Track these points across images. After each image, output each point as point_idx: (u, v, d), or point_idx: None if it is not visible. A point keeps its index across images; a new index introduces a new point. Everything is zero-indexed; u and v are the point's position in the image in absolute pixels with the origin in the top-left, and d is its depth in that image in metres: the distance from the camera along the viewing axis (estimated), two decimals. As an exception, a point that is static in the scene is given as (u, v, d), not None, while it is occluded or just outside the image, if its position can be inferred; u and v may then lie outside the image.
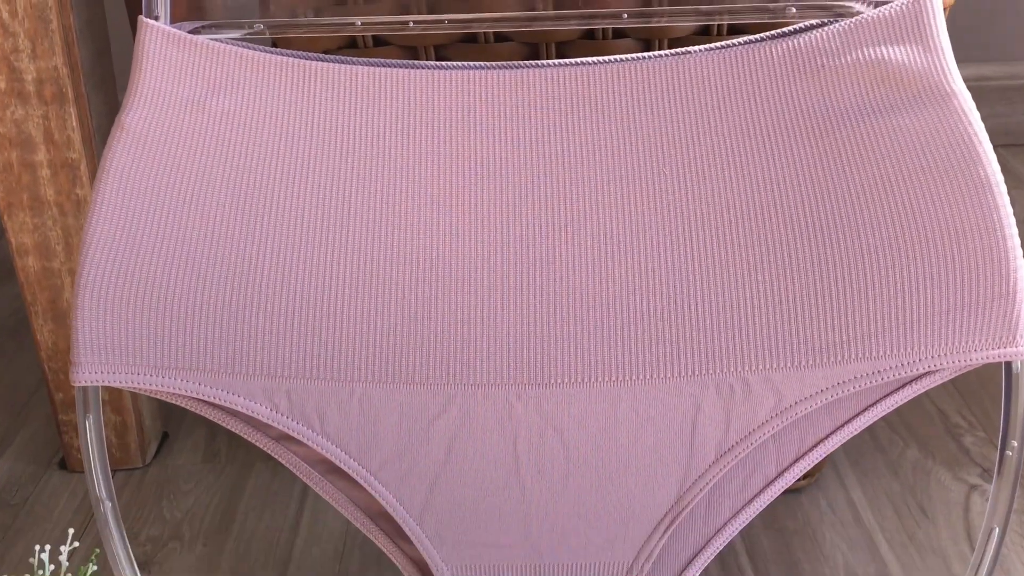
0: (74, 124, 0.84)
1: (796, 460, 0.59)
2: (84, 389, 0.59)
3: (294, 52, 0.61)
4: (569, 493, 0.58)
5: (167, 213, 0.58)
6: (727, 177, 0.58)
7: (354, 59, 0.61)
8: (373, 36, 0.69)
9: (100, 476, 0.60)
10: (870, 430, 0.96)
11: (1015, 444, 0.56)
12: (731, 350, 0.56)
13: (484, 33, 0.68)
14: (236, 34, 0.62)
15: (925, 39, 0.58)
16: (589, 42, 0.69)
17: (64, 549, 0.60)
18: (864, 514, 0.87)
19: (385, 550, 0.61)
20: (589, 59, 0.61)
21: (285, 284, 0.57)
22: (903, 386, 0.57)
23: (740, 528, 0.60)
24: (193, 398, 0.58)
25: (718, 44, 0.60)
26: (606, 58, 0.61)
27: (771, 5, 0.61)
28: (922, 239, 0.55)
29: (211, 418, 0.59)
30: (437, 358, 0.57)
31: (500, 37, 0.69)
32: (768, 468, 0.59)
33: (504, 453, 0.57)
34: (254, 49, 0.61)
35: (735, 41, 0.60)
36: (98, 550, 0.64)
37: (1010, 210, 0.55)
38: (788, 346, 0.55)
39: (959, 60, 0.58)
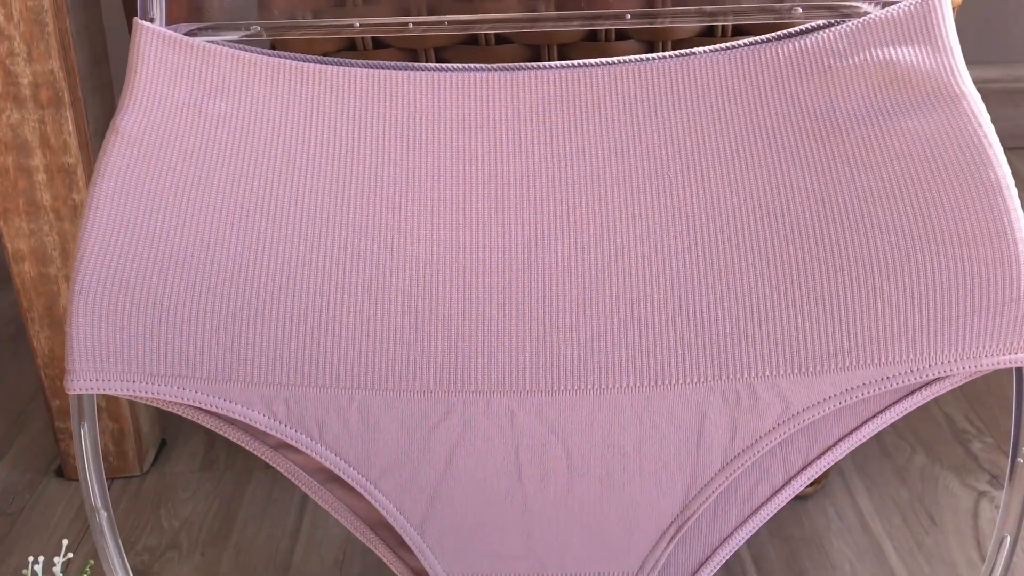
0: (71, 128, 0.84)
1: (803, 468, 0.59)
2: (79, 397, 0.58)
3: (292, 54, 0.60)
4: (572, 502, 0.57)
5: (163, 218, 0.57)
6: (732, 180, 0.58)
7: (353, 61, 0.61)
8: (372, 38, 0.68)
9: (96, 485, 0.60)
10: (877, 436, 0.95)
11: (1027, 451, 0.56)
12: (737, 356, 0.55)
13: (485, 35, 0.68)
14: (233, 36, 0.62)
15: (934, 39, 0.57)
16: (592, 44, 0.69)
17: (58, 560, 0.60)
18: (871, 521, 0.87)
19: (385, 560, 0.60)
20: (592, 60, 0.60)
21: (283, 290, 0.57)
22: (912, 393, 0.57)
23: (747, 537, 0.60)
24: (190, 406, 0.58)
25: (723, 45, 0.60)
26: (609, 60, 0.60)
27: (777, 5, 0.60)
28: (931, 243, 0.54)
29: (208, 426, 0.59)
30: (437, 365, 0.56)
31: (501, 39, 0.69)
32: (775, 476, 0.59)
33: (506, 462, 0.57)
34: (251, 51, 0.60)
35: (740, 42, 0.59)
36: (92, 561, 0.63)
37: (1021, 213, 0.54)
38: (795, 352, 0.55)
39: (963, 62, 0.58)
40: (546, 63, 0.60)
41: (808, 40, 0.58)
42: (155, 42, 0.59)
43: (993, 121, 0.56)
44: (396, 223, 0.58)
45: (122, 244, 0.56)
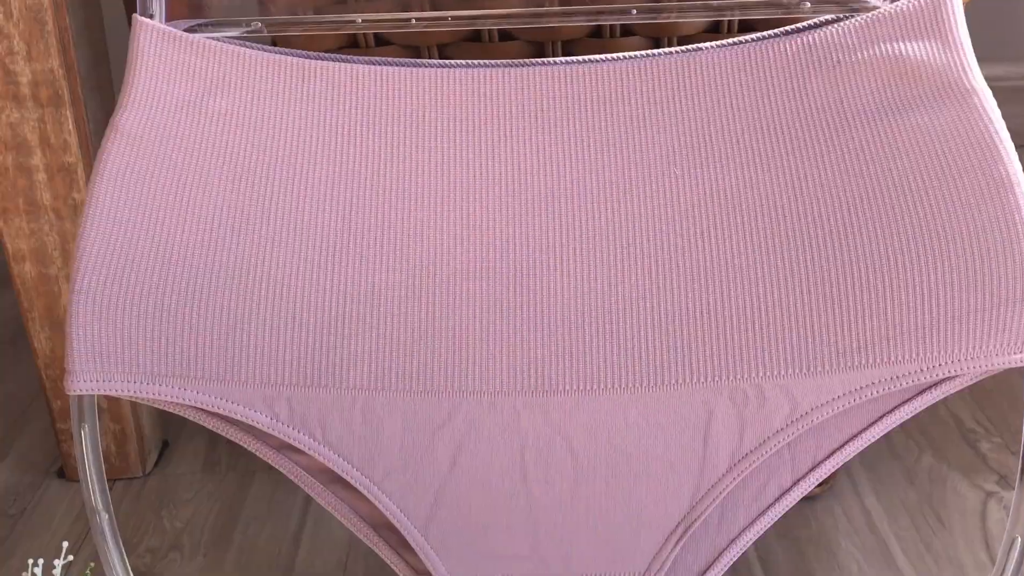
0: (71, 127, 0.83)
1: (812, 469, 0.58)
2: (79, 398, 0.58)
3: (293, 51, 0.60)
4: (578, 503, 0.57)
5: (163, 217, 0.57)
6: (739, 177, 0.57)
7: (355, 58, 0.60)
8: (375, 35, 0.68)
9: (96, 487, 0.59)
10: (884, 437, 0.93)
11: (1036, 451, 0.55)
12: (744, 356, 0.54)
13: (488, 31, 0.67)
14: (233, 32, 0.61)
15: (944, 34, 0.56)
16: (596, 41, 0.68)
17: (58, 563, 0.59)
18: (879, 522, 0.87)
19: (389, 561, 0.60)
20: (597, 56, 0.59)
21: (285, 289, 0.56)
22: (922, 392, 0.56)
23: (754, 539, 0.59)
24: (191, 407, 0.57)
25: (730, 40, 0.59)
26: (615, 55, 0.59)
27: (784, 0, 0.59)
28: (941, 240, 0.53)
29: (210, 427, 0.58)
30: (441, 366, 0.56)
31: (505, 36, 0.69)
32: (783, 477, 0.58)
33: (511, 463, 0.56)
34: (252, 48, 0.60)
35: (747, 37, 0.59)
36: (92, 564, 0.63)
37: None
38: (803, 351, 0.54)
39: (970, 59, 0.56)
40: (550, 59, 0.60)
41: (816, 35, 0.58)
42: (155, 39, 0.59)
43: (1000, 119, 0.56)
44: (399, 222, 0.57)
45: (122, 244, 0.56)
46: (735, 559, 0.59)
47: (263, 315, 0.56)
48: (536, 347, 0.55)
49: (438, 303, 0.56)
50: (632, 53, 0.59)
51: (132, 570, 0.61)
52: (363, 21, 0.61)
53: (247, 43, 0.60)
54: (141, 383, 0.56)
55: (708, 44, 0.59)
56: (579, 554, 0.58)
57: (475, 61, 0.60)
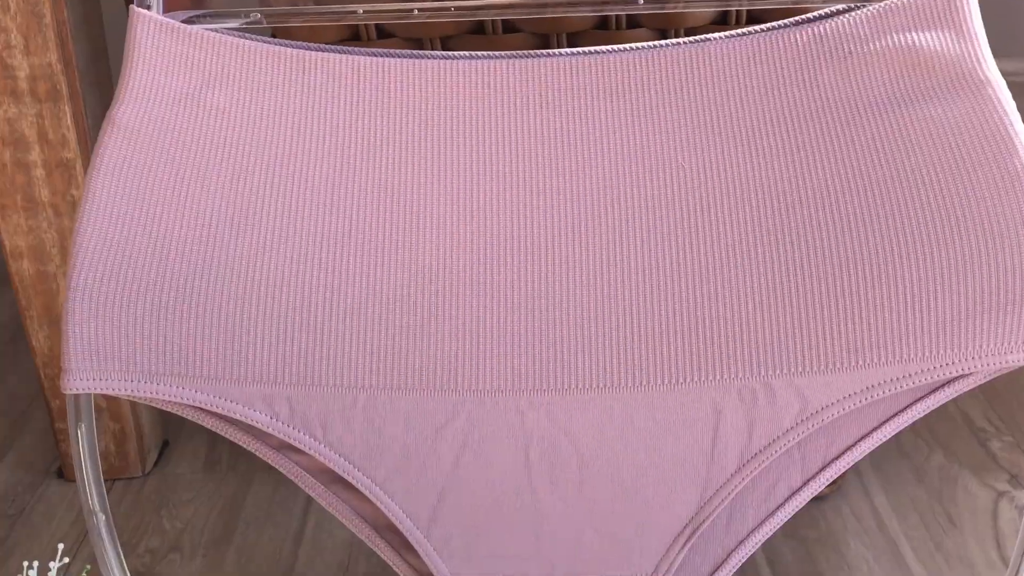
0: (69, 123, 0.83)
1: (822, 469, 0.58)
2: (76, 397, 0.57)
3: (293, 43, 0.59)
4: (583, 504, 0.56)
5: (161, 213, 0.56)
6: (747, 170, 0.56)
7: (356, 49, 0.60)
8: (377, 27, 0.67)
9: (93, 488, 0.59)
10: (893, 435, 0.94)
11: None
12: (754, 353, 0.54)
13: (492, 23, 0.67)
14: (232, 24, 0.61)
15: (958, 24, 0.56)
16: (602, 32, 0.68)
17: (53, 565, 0.59)
18: (889, 522, 0.86)
19: (391, 563, 0.59)
20: (603, 48, 0.59)
21: (285, 287, 0.56)
22: (934, 391, 0.55)
23: (763, 540, 0.59)
24: (190, 406, 0.56)
25: (738, 31, 0.59)
26: (621, 46, 0.59)
27: (794, -11, 0.59)
28: (954, 234, 0.53)
29: (209, 427, 0.57)
30: (444, 363, 0.55)
31: (509, 27, 0.68)
32: (793, 477, 0.58)
33: (515, 462, 0.55)
34: (251, 39, 0.59)
35: (756, 28, 0.58)
36: (89, 566, 0.62)
37: None
38: (814, 349, 0.53)
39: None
40: (555, 51, 0.59)
41: (827, 25, 0.57)
42: (152, 30, 0.58)
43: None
44: (400, 217, 0.57)
45: (119, 240, 0.55)
46: (743, 561, 0.59)
47: (262, 313, 0.55)
48: (541, 345, 0.55)
49: (441, 300, 0.55)
50: (639, 44, 0.59)
51: (131, 571, 0.61)
52: (364, 12, 0.61)
53: (246, 35, 0.59)
54: (139, 382, 0.55)
55: (716, 35, 0.58)
56: (584, 555, 0.58)
57: (478, 52, 0.59)
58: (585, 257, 0.56)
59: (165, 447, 1.00)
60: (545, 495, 0.56)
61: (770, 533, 0.59)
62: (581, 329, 0.55)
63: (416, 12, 0.60)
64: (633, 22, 0.68)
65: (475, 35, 0.68)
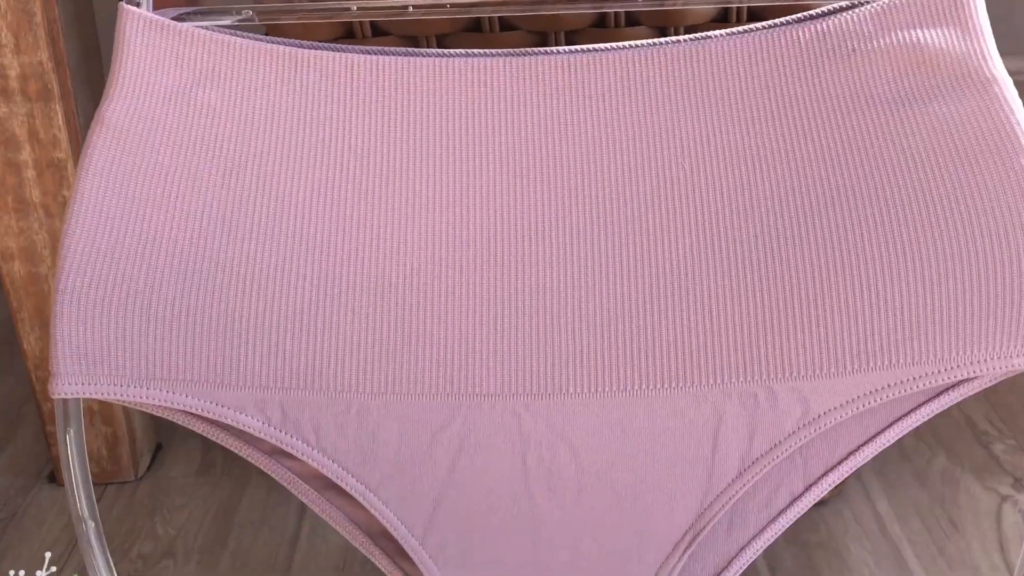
0: (60, 122, 0.83)
1: (824, 474, 0.57)
2: (64, 401, 0.56)
3: (285, 40, 0.59)
4: (581, 510, 0.56)
5: (150, 214, 0.55)
6: (748, 171, 0.56)
7: (350, 47, 0.59)
8: (372, 25, 0.67)
9: (82, 494, 0.58)
10: (895, 438, 0.95)
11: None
12: (755, 356, 0.53)
13: (489, 20, 0.66)
14: (223, 21, 0.60)
15: (963, 21, 0.55)
16: (600, 30, 0.68)
17: (40, 574, 0.58)
18: (891, 526, 0.86)
19: (385, 571, 0.59)
20: (602, 45, 0.58)
21: (276, 289, 0.55)
22: (939, 394, 0.55)
23: (764, 547, 0.58)
24: (181, 411, 0.56)
25: (740, 28, 0.58)
26: (620, 44, 0.58)
27: (796, -13, 0.58)
28: (960, 235, 0.52)
29: (201, 432, 0.57)
30: (439, 367, 0.54)
31: (506, 25, 0.68)
32: (795, 483, 0.57)
33: (512, 468, 0.55)
34: (242, 37, 0.58)
35: (758, 25, 0.58)
36: (77, 575, 0.61)
37: None
38: (816, 352, 0.53)
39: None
40: (553, 48, 0.59)
41: (830, 22, 0.57)
42: (141, 27, 0.57)
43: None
44: (394, 218, 0.56)
45: (108, 242, 0.55)
46: (744, 568, 0.58)
47: (254, 316, 0.54)
48: (538, 348, 0.54)
49: (436, 302, 0.55)
50: (638, 42, 0.58)
51: (122, 578, 0.60)
52: (358, 9, 0.60)
53: (238, 32, 0.59)
54: (128, 386, 0.54)
55: (716, 32, 0.58)
56: (582, 563, 0.57)
57: (474, 50, 0.58)
58: (583, 258, 0.55)
59: (158, 451, 1.00)
60: (542, 501, 0.55)
61: (771, 540, 0.58)
62: (579, 332, 0.54)
63: (411, 9, 0.60)
64: (632, 20, 0.68)
65: (472, 33, 0.68)
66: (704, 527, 0.55)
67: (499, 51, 0.58)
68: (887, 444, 0.56)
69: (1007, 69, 0.55)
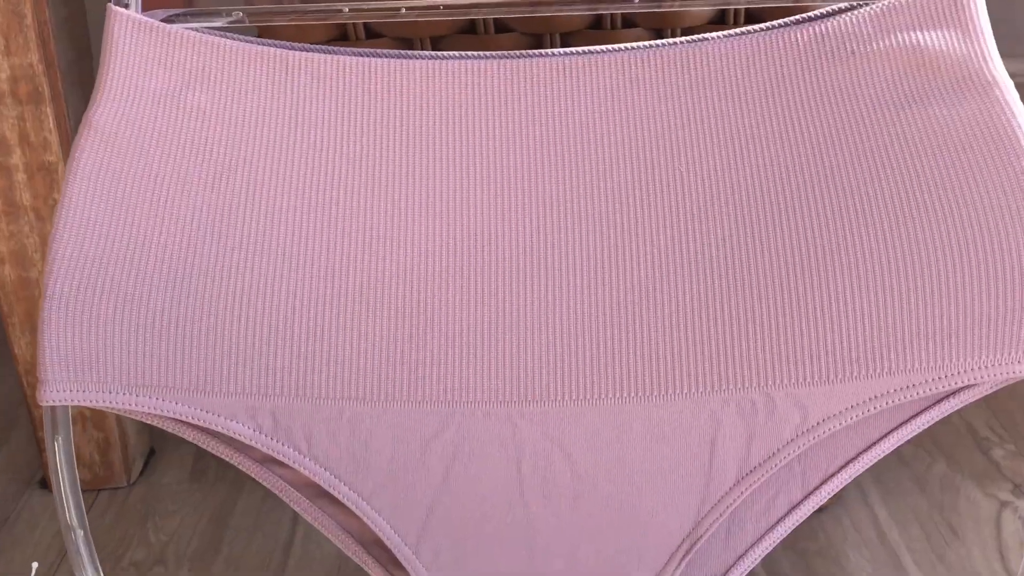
0: (51, 125, 0.82)
1: (823, 482, 0.57)
2: (53, 409, 0.56)
3: (277, 42, 0.58)
4: (577, 518, 0.55)
5: (139, 219, 0.55)
6: (745, 174, 0.55)
7: (342, 49, 0.59)
8: (365, 27, 0.67)
9: (71, 502, 0.58)
10: (894, 444, 0.95)
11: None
12: (753, 363, 0.52)
13: (484, 22, 0.66)
14: (213, 23, 0.60)
15: (964, 23, 0.55)
16: (596, 32, 0.68)
17: (27, 585, 0.57)
18: (890, 533, 0.86)
19: (379, 580, 0.58)
20: (598, 47, 0.58)
21: (269, 295, 0.54)
22: (939, 401, 0.54)
23: (763, 555, 0.58)
24: (171, 418, 0.55)
25: (737, 31, 0.58)
26: (616, 46, 0.58)
27: (794, -12, 0.58)
28: (959, 240, 0.52)
29: (191, 439, 0.56)
30: (433, 374, 0.54)
31: (501, 27, 0.68)
32: (793, 491, 0.57)
33: (507, 476, 0.54)
34: (232, 39, 0.58)
35: (756, 27, 0.58)
36: (64, 585, 0.61)
37: None
38: (815, 359, 0.52)
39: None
40: (548, 51, 0.58)
41: (829, 24, 0.57)
42: (130, 29, 0.57)
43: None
44: (386, 223, 0.56)
45: (97, 247, 0.54)
46: (743, 576, 0.58)
47: (245, 322, 0.54)
48: (533, 354, 0.53)
49: (429, 308, 0.54)
50: (634, 44, 0.58)
51: (114, 586, 0.59)
52: (350, 10, 0.60)
53: (228, 34, 0.58)
54: (117, 393, 0.54)
55: (714, 35, 0.57)
56: (578, 571, 0.57)
57: (468, 52, 0.58)
58: (578, 263, 0.54)
59: (151, 456, 0.99)
60: (538, 509, 0.55)
61: (769, 548, 0.58)
62: (575, 338, 0.53)
63: (404, 11, 0.59)
64: (628, 22, 0.67)
65: (466, 35, 0.67)
66: (702, 535, 0.55)
67: (493, 53, 0.58)
68: (887, 452, 0.56)
69: (1007, 71, 0.55)
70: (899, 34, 0.55)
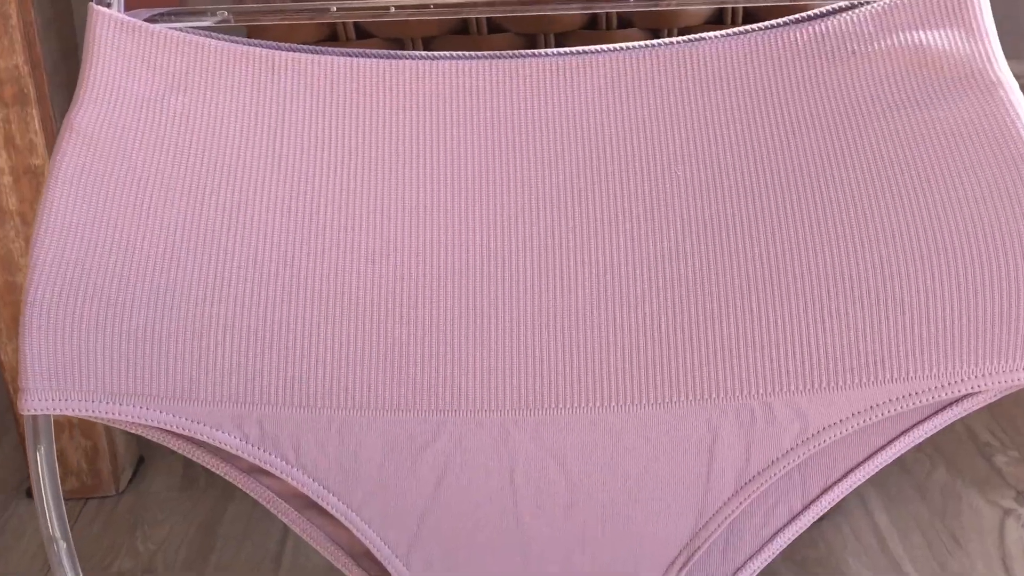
0: (37, 127, 0.82)
1: (823, 492, 0.56)
2: (35, 418, 0.55)
3: (262, 42, 0.58)
4: (571, 530, 0.55)
5: (122, 224, 0.54)
6: (743, 177, 0.55)
7: (330, 49, 0.58)
8: (356, 27, 0.66)
9: (53, 513, 0.56)
10: (895, 451, 0.95)
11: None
12: (751, 371, 0.52)
13: (476, 22, 0.66)
14: (197, 23, 0.59)
15: (967, 22, 0.55)
16: (591, 32, 0.68)
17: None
18: (891, 542, 0.85)
19: (369, 592, 0.58)
20: (592, 48, 0.57)
21: (254, 302, 0.54)
22: (942, 409, 0.54)
23: (762, 567, 0.57)
24: (154, 427, 0.54)
25: (735, 30, 0.57)
26: (611, 46, 0.57)
27: (793, -13, 0.58)
28: (963, 244, 0.51)
29: (177, 449, 0.55)
30: (424, 381, 0.53)
31: (494, 27, 0.68)
32: (793, 501, 0.56)
33: (500, 486, 0.54)
34: (216, 39, 0.57)
35: (754, 27, 0.57)
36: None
37: None
38: (814, 366, 0.51)
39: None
40: (541, 51, 0.58)
41: (829, 23, 0.56)
42: (112, 29, 0.56)
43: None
44: (376, 227, 0.55)
45: (79, 252, 0.53)
46: (741, 588, 0.58)
47: (231, 329, 0.53)
48: (526, 361, 0.53)
49: (419, 315, 0.53)
50: (629, 44, 0.57)
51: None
52: (338, 9, 0.59)
53: (213, 34, 0.58)
54: (100, 402, 0.53)
55: (711, 34, 0.57)
56: (574, 581, 0.56)
57: (460, 53, 0.57)
58: (572, 269, 0.54)
59: (140, 464, 0.99)
60: (531, 519, 0.54)
61: (769, 560, 0.57)
62: (569, 345, 0.53)
63: (393, 10, 0.58)
64: (624, 21, 0.67)
65: (458, 35, 0.67)
66: (700, 546, 0.55)
67: (485, 53, 0.57)
68: (888, 461, 0.55)
69: (1012, 72, 0.55)
70: (901, 33, 0.55)
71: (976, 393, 0.52)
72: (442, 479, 0.54)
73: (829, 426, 0.52)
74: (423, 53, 0.58)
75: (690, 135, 0.56)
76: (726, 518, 0.54)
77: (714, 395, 0.52)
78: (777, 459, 0.53)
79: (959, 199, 0.51)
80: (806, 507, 0.56)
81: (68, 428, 0.90)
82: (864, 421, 0.52)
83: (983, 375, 0.50)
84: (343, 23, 0.66)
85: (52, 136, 0.82)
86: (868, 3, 0.56)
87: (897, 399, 0.51)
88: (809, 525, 0.57)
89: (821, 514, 0.56)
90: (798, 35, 0.56)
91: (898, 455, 0.55)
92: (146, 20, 0.57)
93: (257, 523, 0.90)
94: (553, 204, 0.55)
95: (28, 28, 0.78)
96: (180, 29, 0.57)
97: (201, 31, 0.58)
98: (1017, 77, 0.55)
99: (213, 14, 0.59)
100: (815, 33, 0.56)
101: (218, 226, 0.55)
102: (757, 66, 0.56)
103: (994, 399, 0.52)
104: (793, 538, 0.57)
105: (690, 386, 0.52)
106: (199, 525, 0.90)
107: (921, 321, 0.51)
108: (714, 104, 0.56)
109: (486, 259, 0.54)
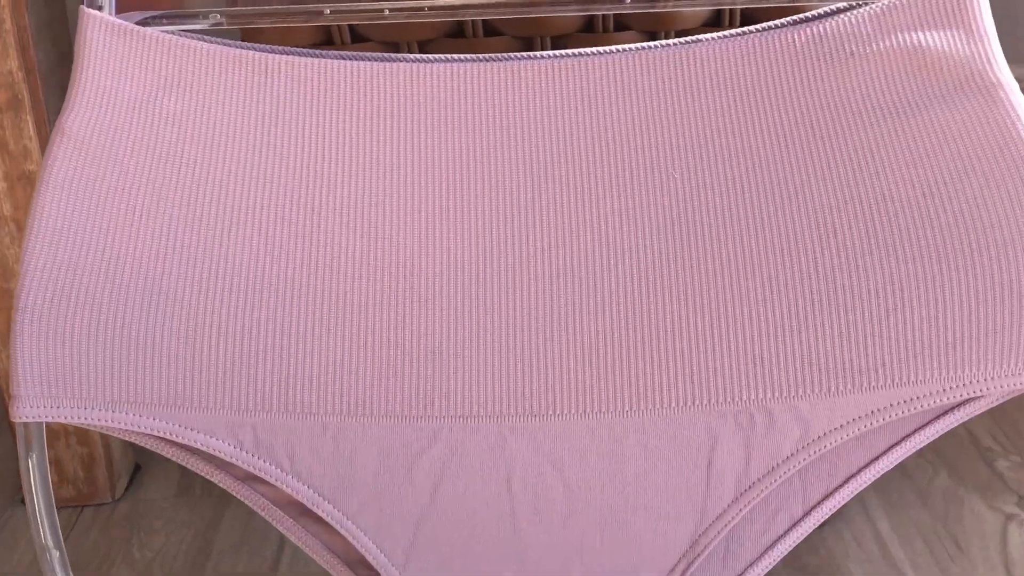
0: (31, 132, 0.81)
1: (825, 498, 0.56)
2: (27, 426, 0.55)
3: (256, 45, 0.58)
4: (570, 537, 0.54)
5: (114, 229, 0.54)
6: (742, 181, 0.54)
7: (324, 52, 0.58)
8: (351, 30, 0.66)
9: (46, 521, 0.56)
10: (896, 456, 0.94)
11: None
12: (751, 376, 0.52)
13: (472, 25, 0.66)
14: (190, 26, 0.59)
15: (967, 23, 0.54)
16: (588, 35, 0.67)
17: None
18: (892, 547, 0.85)
19: (365, 601, 0.58)
20: (589, 50, 0.57)
21: (249, 307, 0.53)
22: (943, 414, 0.53)
23: (763, 574, 0.57)
24: (148, 435, 0.54)
25: (733, 31, 0.57)
26: (608, 48, 0.57)
27: (791, -12, 0.58)
28: (963, 248, 0.51)
29: (170, 456, 0.55)
30: (420, 387, 0.53)
31: (490, 30, 0.68)
32: (794, 507, 0.56)
33: (497, 493, 0.54)
34: (209, 42, 0.57)
35: (751, 28, 0.57)
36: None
37: None
38: (815, 371, 0.51)
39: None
40: (537, 53, 0.57)
41: (827, 25, 0.56)
42: (104, 32, 0.56)
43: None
44: (371, 231, 0.55)
45: (70, 258, 0.53)
46: (741, 595, 0.57)
47: (225, 335, 0.53)
48: (523, 367, 0.52)
49: (416, 320, 0.53)
50: (626, 46, 0.57)
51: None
52: (332, 12, 0.59)
53: (206, 37, 0.57)
54: (93, 409, 0.53)
55: (708, 36, 0.57)
56: (573, 589, 0.56)
57: (455, 55, 0.57)
58: (569, 273, 0.53)
59: (136, 471, 0.99)
60: (528, 526, 0.54)
61: (770, 567, 0.57)
62: (567, 350, 0.53)
63: (387, 12, 0.58)
64: (621, 24, 0.67)
65: (454, 38, 0.67)
66: (699, 554, 0.54)
67: (481, 56, 0.57)
68: (889, 467, 0.55)
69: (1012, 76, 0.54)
70: (899, 35, 0.55)
71: (978, 398, 0.51)
72: (438, 486, 0.53)
73: (830, 431, 0.52)
74: (417, 56, 0.57)
75: (687, 137, 0.55)
76: (726, 525, 0.53)
77: (713, 400, 0.52)
78: (777, 465, 0.52)
79: (960, 202, 0.51)
80: (807, 513, 0.56)
81: (64, 435, 0.90)
82: (865, 426, 0.51)
83: (985, 379, 0.50)
84: (338, 26, 0.66)
85: (47, 141, 0.82)
86: (866, 4, 0.56)
87: (898, 404, 0.51)
88: (810, 531, 0.56)
89: (822, 520, 0.56)
90: (796, 37, 0.56)
91: (900, 460, 0.54)
92: (138, 23, 0.57)
93: (254, 531, 0.89)
94: (548, 205, 0.55)
95: (22, 32, 0.78)
96: (172, 32, 0.57)
97: (194, 34, 0.57)
98: (1017, 79, 0.55)
99: (206, 17, 0.58)
100: (813, 35, 0.56)
101: (211, 231, 0.54)
102: (754, 68, 0.56)
103: (996, 404, 0.52)
104: (794, 545, 0.56)
105: (688, 392, 0.52)
106: (196, 533, 0.90)
107: (924, 326, 0.50)
108: (710, 106, 0.56)
109: (481, 262, 0.54)
